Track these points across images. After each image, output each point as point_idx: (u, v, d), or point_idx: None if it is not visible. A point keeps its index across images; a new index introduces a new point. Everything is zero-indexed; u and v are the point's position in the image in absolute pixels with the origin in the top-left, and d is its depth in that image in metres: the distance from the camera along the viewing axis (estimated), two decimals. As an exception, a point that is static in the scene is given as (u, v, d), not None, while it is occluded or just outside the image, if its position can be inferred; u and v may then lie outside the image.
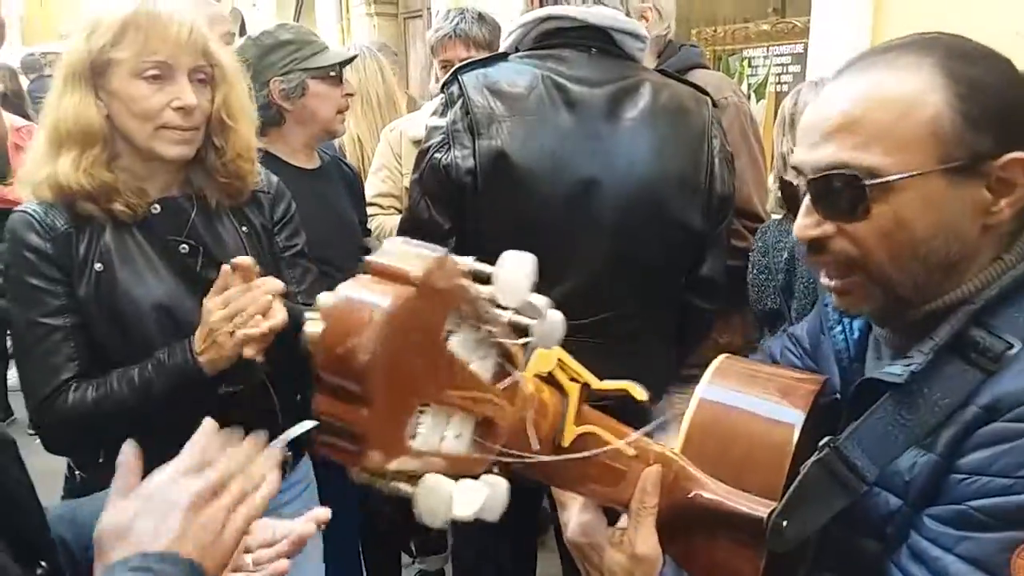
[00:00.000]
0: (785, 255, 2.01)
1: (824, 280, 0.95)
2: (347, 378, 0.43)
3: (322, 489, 1.93)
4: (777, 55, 3.68)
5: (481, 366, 0.54)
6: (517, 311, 0.54)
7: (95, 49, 1.43)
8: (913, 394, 0.87)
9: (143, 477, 0.83)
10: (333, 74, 2.30)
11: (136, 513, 0.77)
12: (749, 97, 3.56)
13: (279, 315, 1.40)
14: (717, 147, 1.70)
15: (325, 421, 0.45)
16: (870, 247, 0.88)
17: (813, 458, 0.87)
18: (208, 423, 0.88)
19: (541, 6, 1.73)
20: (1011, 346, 0.84)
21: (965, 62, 0.86)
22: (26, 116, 5.15)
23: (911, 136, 0.84)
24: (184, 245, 1.53)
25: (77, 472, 1.59)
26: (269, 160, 2.27)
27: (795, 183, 0.93)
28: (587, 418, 0.72)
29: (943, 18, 2.34)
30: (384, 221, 2.69)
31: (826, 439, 0.88)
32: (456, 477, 0.51)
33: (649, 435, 0.85)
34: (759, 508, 0.86)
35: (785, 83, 3.63)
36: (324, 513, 0.99)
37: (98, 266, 1.46)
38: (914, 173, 0.84)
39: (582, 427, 0.69)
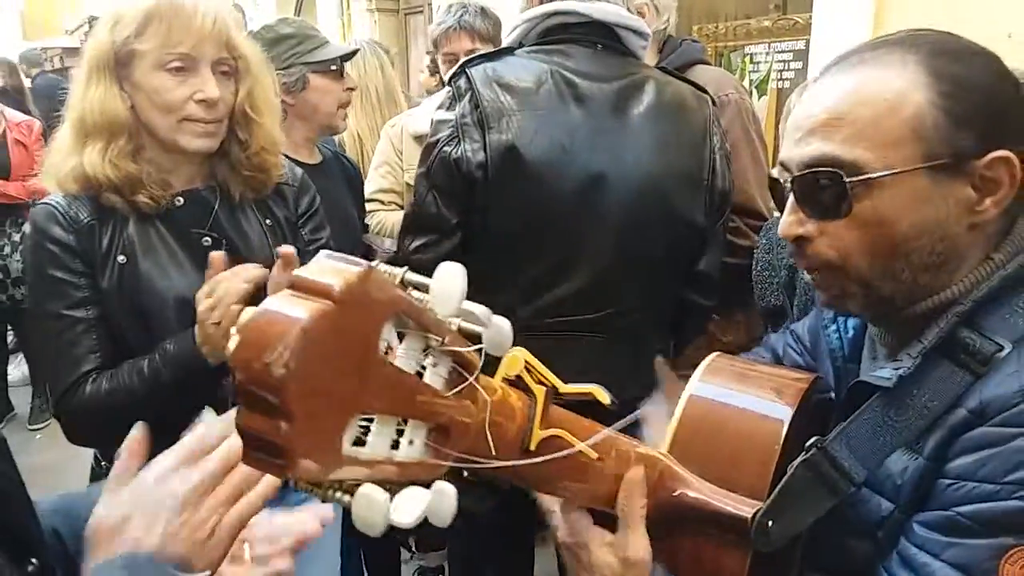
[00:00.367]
0: (788, 252, 2.00)
1: (807, 276, 0.95)
2: (265, 391, 0.43)
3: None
4: (779, 52, 3.67)
5: (433, 373, 0.54)
6: (463, 319, 0.55)
7: (119, 41, 1.43)
8: (902, 396, 0.87)
9: (148, 459, 0.82)
10: (334, 68, 2.29)
11: (129, 509, 0.76)
12: (751, 94, 3.55)
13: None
14: (718, 144, 1.71)
15: (248, 436, 0.45)
16: (851, 249, 0.88)
17: (800, 458, 0.87)
18: (208, 413, 0.88)
19: (540, 3, 1.73)
20: (1001, 348, 0.83)
21: (950, 59, 0.85)
22: (27, 111, 5.14)
23: (894, 133, 0.84)
24: (207, 238, 1.53)
25: (104, 463, 1.59)
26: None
27: (781, 180, 0.93)
28: (555, 420, 0.72)
29: (944, 13, 2.33)
30: (386, 217, 2.69)
31: (813, 439, 0.88)
32: (410, 483, 0.52)
33: (629, 433, 0.85)
34: (744, 508, 0.86)
35: (787, 79, 3.63)
36: (329, 512, 0.98)
37: (121, 258, 1.46)
38: (897, 170, 0.84)
39: (548, 430, 0.69)
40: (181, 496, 0.76)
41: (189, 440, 0.81)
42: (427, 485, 0.53)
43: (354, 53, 2.45)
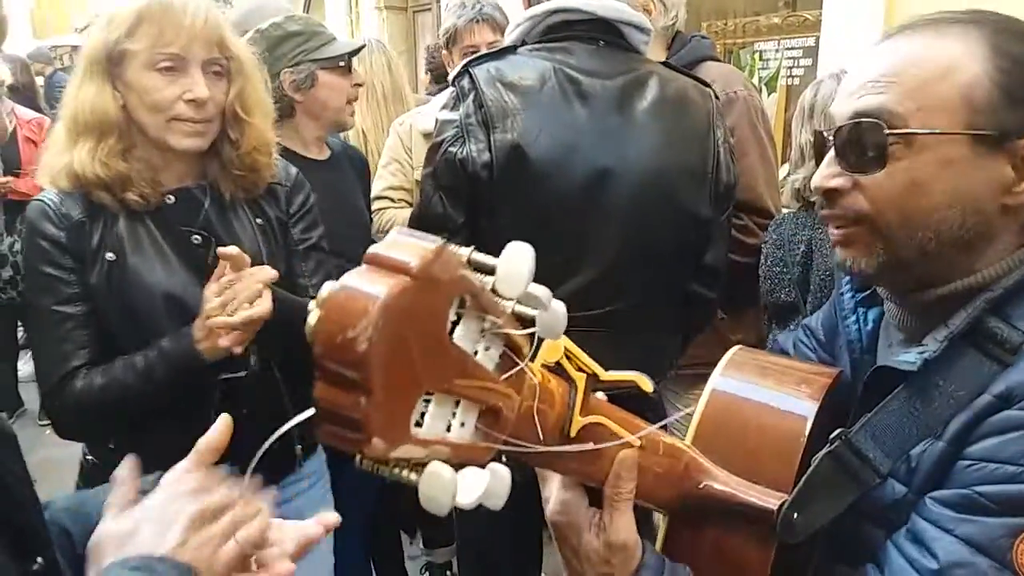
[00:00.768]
0: (802, 248, 2.00)
1: (831, 230, 0.95)
2: (345, 367, 0.43)
3: (336, 477, 1.94)
4: (788, 48, 3.66)
5: (486, 356, 0.54)
6: (520, 302, 0.54)
7: (111, 40, 1.45)
8: (928, 386, 0.86)
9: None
10: (342, 64, 2.30)
11: (137, 524, 0.78)
12: (760, 91, 3.55)
13: (263, 306, 1.41)
14: (721, 137, 1.71)
15: (325, 409, 0.45)
16: (882, 205, 0.88)
17: (824, 450, 0.87)
18: (224, 420, 0.89)
19: (531, 3, 1.74)
20: None
21: (1013, 38, 0.85)
22: (38, 109, 5.16)
23: (943, 97, 0.84)
24: (197, 236, 1.54)
25: (90, 457, 1.60)
26: (281, 152, 2.28)
27: (826, 135, 0.93)
28: (594, 408, 0.72)
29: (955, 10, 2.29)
30: (396, 215, 2.69)
31: (838, 431, 0.87)
32: (461, 465, 0.51)
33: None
34: (770, 500, 0.86)
35: (796, 76, 3.62)
36: (333, 517, 0.99)
37: (110, 255, 1.47)
38: (937, 131, 0.83)
39: (589, 417, 0.69)
40: (189, 516, 0.77)
41: (188, 476, 0.83)
42: (480, 466, 0.53)
43: (361, 48, 2.46)
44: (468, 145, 1.61)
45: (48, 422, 1.66)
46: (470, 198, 1.65)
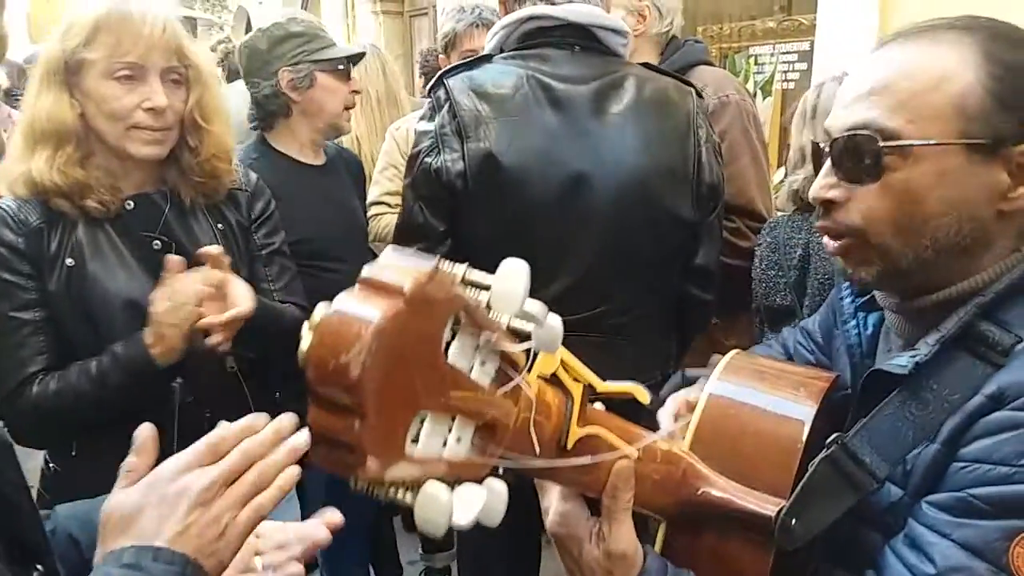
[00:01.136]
0: (799, 252, 1.99)
1: (826, 241, 0.95)
2: (339, 392, 0.43)
3: (336, 482, 1.93)
4: (783, 53, 3.67)
5: (481, 371, 0.54)
6: (516, 317, 0.54)
7: (68, 49, 1.45)
8: (922, 389, 0.86)
9: (112, 461, 0.81)
10: (341, 68, 2.31)
11: (141, 502, 0.76)
12: (755, 95, 3.56)
13: (246, 304, 1.43)
14: (703, 137, 1.71)
15: (319, 433, 0.45)
16: (876, 216, 0.88)
17: (821, 455, 0.87)
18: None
19: (508, 11, 1.74)
20: (1020, 340, 0.83)
21: (1007, 45, 0.86)
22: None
23: (936, 107, 0.84)
24: (157, 241, 1.55)
25: (52, 464, 1.59)
26: (278, 157, 2.29)
27: (821, 145, 0.94)
28: (591, 418, 0.72)
29: (950, 13, 2.30)
30: (392, 220, 2.69)
31: (834, 436, 0.88)
32: (458, 481, 0.51)
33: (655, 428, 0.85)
34: (767, 506, 0.86)
35: (792, 80, 3.63)
36: (336, 517, 0.99)
37: (69, 261, 1.47)
38: (932, 142, 0.84)
39: (585, 428, 0.69)
40: (194, 494, 0.75)
41: (205, 440, 0.81)
42: (478, 482, 0.53)
43: (361, 55, 2.46)
44: (443, 155, 1.63)
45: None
46: (448, 207, 1.66)
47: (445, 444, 0.51)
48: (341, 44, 2.45)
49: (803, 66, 3.55)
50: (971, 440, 0.82)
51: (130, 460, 0.83)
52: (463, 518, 0.50)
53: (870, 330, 1.07)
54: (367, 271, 0.46)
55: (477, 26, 2.74)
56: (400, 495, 0.49)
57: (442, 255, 1.66)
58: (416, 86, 4.99)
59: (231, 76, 3.45)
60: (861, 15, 2.85)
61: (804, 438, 0.92)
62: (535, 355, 0.59)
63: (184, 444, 1.47)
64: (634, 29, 2.27)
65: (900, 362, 0.88)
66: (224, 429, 0.82)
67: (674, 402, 1.09)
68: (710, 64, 2.42)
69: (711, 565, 0.89)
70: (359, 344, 0.42)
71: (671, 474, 0.86)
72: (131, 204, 1.54)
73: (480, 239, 1.66)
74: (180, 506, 0.75)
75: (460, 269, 0.52)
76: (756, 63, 3.78)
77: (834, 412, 1.00)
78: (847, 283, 1.10)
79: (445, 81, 1.68)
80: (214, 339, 1.41)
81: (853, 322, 1.09)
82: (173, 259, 1.43)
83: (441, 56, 3.02)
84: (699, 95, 1.77)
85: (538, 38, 1.70)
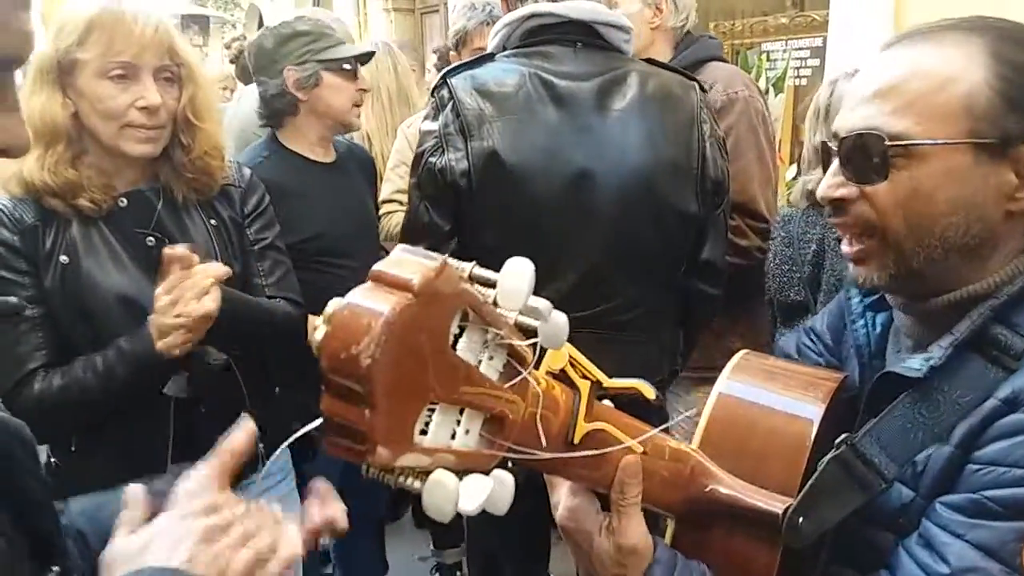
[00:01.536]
0: (813, 247, 1.99)
1: (844, 247, 0.95)
2: (350, 381, 0.45)
3: (346, 480, 1.94)
4: (796, 49, 3.65)
5: (489, 366, 0.55)
6: (521, 314, 0.56)
7: (61, 49, 1.47)
8: (933, 391, 0.86)
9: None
10: (347, 67, 2.31)
11: (148, 539, 0.78)
12: (767, 91, 3.54)
13: (207, 303, 1.42)
14: (707, 131, 1.70)
15: (331, 421, 0.47)
16: (888, 213, 0.88)
17: (830, 455, 0.87)
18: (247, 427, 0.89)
19: (510, 9, 1.75)
20: None
21: (1015, 45, 0.85)
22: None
23: (944, 107, 0.84)
24: (151, 238, 1.56)
25: (53, 460, 1.60)
26: (287, 155, 2.30)
27: (829, 144, 0.94)
28: (598, 414, 0.72)
29: (963, 11, 2.29)
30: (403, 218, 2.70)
31: (843, 436, 0.88)
32: (466, 472, 0.53)
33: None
34: (775, 504, 0.86)
35: (804, 77, 3.60)
36: (325, 485, 0.99)
37: (64, 258, 1.49)
38: (939, 142, 0.84)
39: (592, 424, 0.70)
40: (199, 532, 0.77)
41: (200, 497, 0.82)
42: (485, 473, 0.54)
43: (370, 55, 2.47)
44: (447, 154, 1.63)
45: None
46: (453, 206, 1.67)
47: (454, 436, 0.53)
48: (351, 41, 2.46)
49: (815, 62, 3.52)
50: (986, 443, 0.82)
51: (125, 514, 0.84)
52: (469, 505, 0.52)
53: (879, 330, 1.07)
54: (377, 267, 0.48)
55: (488, 24, 2.74)
56: (409, 482, 0.51)
57: (449, 253, 1.68)
58: (429, 83, 4.98)
59: (244, 73, 3.47)
60: (874, 11, 2.84)
61: (813, 437, 0.93)
62: (542, 351, 0.60)
63: (178, 439, 1.48)
64: (650, 22, 2.28)
65: (913, 365, 0.87)
66: (211, 485, 0.83)
67: None
68: (723, 60, 2.41)
69: (719, 562, 0.89)
70: (369, 336, 0.44)
71: (679, 471, 0.86)
72: (124, 201, 1.56)
73: (485, 237, 1.67)
74: (187, 541, 0.76)
75: (467, 266, 0.54)
76: (768, 59, 3.76)
77: (843, 412, 1.00)
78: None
79: (448, 80, 1.68)
80: (172, 339, 1.42)
81: (862, 322, 1.09)
82: (169, 253, 1.44)
83: (452, 53, 3.03)
84: (703, 89, 1.77)
85: (540, 35, 1.70)
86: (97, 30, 1.45)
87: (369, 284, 0.48)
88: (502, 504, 0.55)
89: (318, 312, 0.49)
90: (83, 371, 1.47)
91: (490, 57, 1.74)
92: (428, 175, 1.67)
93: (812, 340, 1.22)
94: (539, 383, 0.62)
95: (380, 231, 2.65)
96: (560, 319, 0.58)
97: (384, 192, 2.74)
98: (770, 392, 1.00)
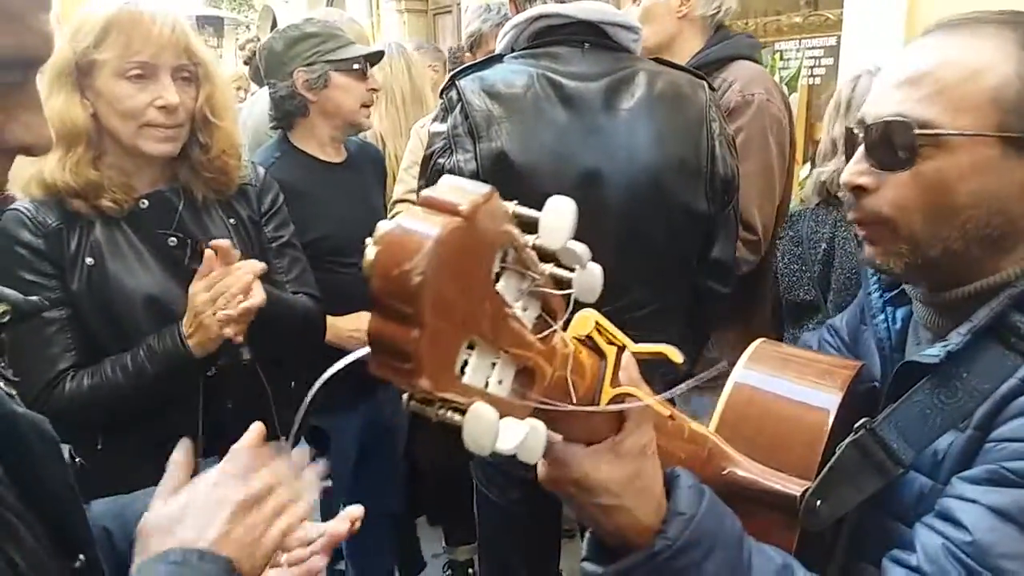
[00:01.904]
0: (823, 246, 1.98)
1: (858, 228, 0.95)
2: (399, 300, 0.45)
3: (358, 479, 1.95)
4: (809, 48, 3.63)
5: (523, 316, 0.56)
6: (558, 261, 0.56)
7: (79, 50, 1.48)
8: (952, 378, 0.87)
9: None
10: (357, 67, 2.32)
11: (183, 510, 0.79)
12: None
13: (258, 296, 1.46)
14: (716, 130, 1.70)
15: (378, 342, 0.47)
16: (907, 205, 0.88)
17: (848, 439, 0.88)
18: (256, 428, 0.92)
19: (518, 10, 1.75)
20: None
21: None
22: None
23: (973, 99, 0.84)
24: (172, 238, 1.58)
25: (78, 459, 1.62)
26: (299, 155, 2.32)
27: (856, 132, 0.94)
28: (622, 381, 0.72)
29: (976, 10, 2.26)
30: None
31: (862, 421, 0.88)
32: (500, 416, 0.53)
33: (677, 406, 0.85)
34: (793, 486, 0.87)
35: (817, 76, 3.59)
36: (357, 511, 1.01)
37: (89, 260, 1.51)
38: (966, 133, 0.84)
39: (619, 388, 0.70)
40: (234, 503, 0.79)
41: (238, 456, 0.86)
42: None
43: (379, 54, 2.47)
44: (455, 155, 1.64)
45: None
46: None
47: (487, 385, 0.53)
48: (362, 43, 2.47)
49: (829, 61, 3.51)
50: (1004, 422, 0.82)
51: (166, 480, 0.86)
52: (507, 444, 0.52)
53: (899, 324, 1.07)
54: (426, 192, 0.49)
55: (502, 26, 2.74)
56: (449, 415, 0.51)
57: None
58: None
59: (257, 75, 3.49)
60: (888, 10, 2.82)
61: (829, 424, 0.93)
62: (573, 309, 0.60)
63: (208, 435, 1.50)
64: (677, 10, 2.21)
65: (932, 352, 0.88)
66: (251, 443, 0.88)
67: None
68: (753, 60, 2.25)
69: None
70: (420, 254, 0.44)
71: (697, 453, 0.86)
72: (145, 203, 1.57)
73: None
74: (221, 514, 0.78)
75: (510, 204, 0.54)
76: (782, 58, 3.75)
77: (862, 404, 1.00)
78: (875, 278, 1.09)
79: (457, 82, 1.69)
80: (228, 331, 1.45)
81: (882, 316, 1.09)
82: (210, 252, 1.46)
83: (467, 54, 3.04)
84: (712, 88, 1.76)
85: (548, 36, 1.70)
86: (115, 31, 1.47)
87: (417, 208, 0.48)
88: (535, 451, 0.55)
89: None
90: (113, 370, 1.49)
91: (498, 58, 1.74)
92: (437, 176, 1.65)
93: (831, 335, 1.23)
94: (568, 345, 0.63)
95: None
96: (596, 269, 0.58)
97: (397, 192, 2.75)
98: (786, 380, 1.01)
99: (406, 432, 2.67)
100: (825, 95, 3.32)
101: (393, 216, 2.67)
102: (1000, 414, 0.83)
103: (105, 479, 1.51)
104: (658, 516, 0.73)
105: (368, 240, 0.47)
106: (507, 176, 1.60)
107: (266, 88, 2.38)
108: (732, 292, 1.88)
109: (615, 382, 0.69)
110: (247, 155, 2.03)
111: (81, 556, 0.80)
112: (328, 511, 1.33)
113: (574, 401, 0.62)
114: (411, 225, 0.46)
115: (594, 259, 0.58)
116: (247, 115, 3.25)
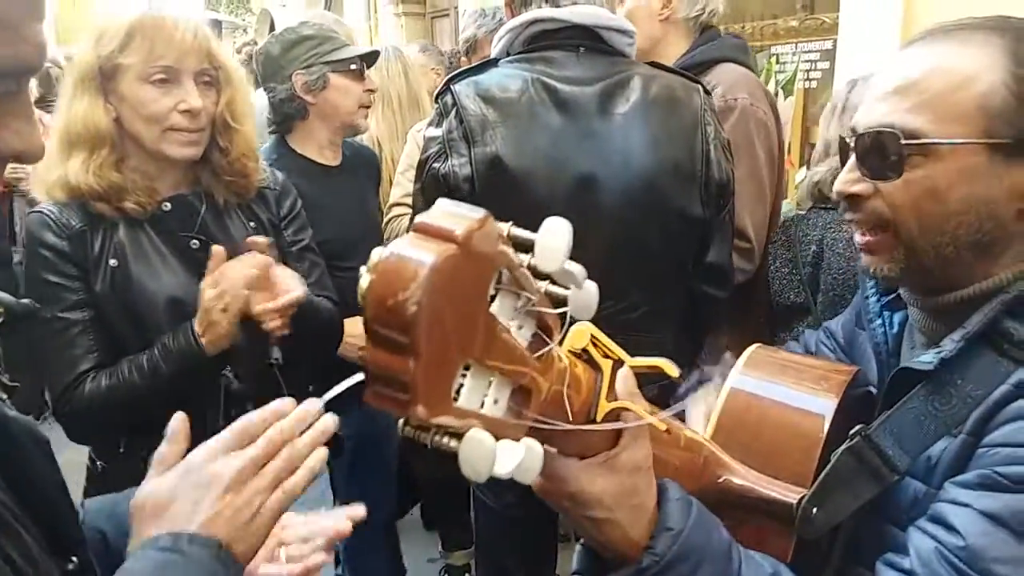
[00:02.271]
0: (813, 248, 1.98)
1: (857, 237, 0.96)
2: (395, 329, 0.45)
3: (356, 481, 1.95)
4: (806, 52, 3.64)
5: (519, 335, 0.55)
6: (554, 280, 0.56)
7: (103, 55, 1.49)
8: (945, 384, 0.87)
9: (145, 463, 0.84)
10: (354, 67, 2.33)
11: (174, 489, 0.78)
12: (777, 94, 3.52)
13: (298, 289, 1.49)
14: (711, 134, 1.69)
15: (374, 372, 0.47)
16: (901, 211, 0.89)
17: (844, 446, 0.88)
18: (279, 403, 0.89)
19: (513, 15, 1.75)
20: None
21: None
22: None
23: (960, 107, 0.85)
24: (195, 241, 1.59)
25: (99, 462, 1.63)
26: (296, 158, 2.32)
27: (847, 140, 0.95)
28: (619, 395, 0.72)
29: (973, 14, 2.27)
30: (410, 223, 2.71)
31: (857, 428, 0.88)
32: (496, 438, 0.52)
33: (679, 418, 0.85)
34: (789, 494, 0.87)
35: (814, 80, 3.59)
36: (360, 511, 1.01)
37: (112, 262, 1.52)
38: (954, 141, 0.85)
39: (615, 403, 0.70)
40: (227, 479, 0.77)
41: (234, 427, 0.83)
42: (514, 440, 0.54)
43: (375, 54, 2.48)
44: (450, 160, 1.64)
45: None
46: None
47: (483, 406, 0.53)
48: (362, 46, 2.47)
49: (825, 65, 3.51)
50: (996, 427, 0.83)
51: (161, 450, 0.85)
52: (503, 468, 0.51)
53: (895, 329, 1.08)
54: (421, 218, 0.48)
55: (498, 31, 2.75)
56: (445, 440, 0.50)
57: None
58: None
59: (256, 79, 3.50)
60: (884, 14, 2.83)
61: (825, 430, 0.93)
62: (568, 325, 0.60)
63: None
64: (659, 13, 2.18)
65: (925, 359, 0.88)
66: (252, 415, 0.84)
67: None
68: (738, 62, 2.18)
69: None
70: (415, 283, 0.44)
71: (693, 461, 0.87)
72: (168, 205, 1.59)
73: None
74: (213, 491, 0.77)
75: (505, 226, 0.53)
76: (778, 62, 3.75)
77: (857, 409, 1.00)
78: (872, 282, 1.10)
79: (451, 87, 1.69)
80: (272, 324, 1.47)
81: (879, 321, 1.09)
82: (218, 249, 1.47)
83: (463, 59, 3.04)
84: (706, 92, 1.75)
85: (543, 41, 1.70)
86: (139, 36, 1.48)
87: (412, 235, 0.48)
88: (532, 472, 0.54)
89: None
90: (129, 371, 1.50)
91: (493, 63, 1.74)
92: (432, 181, 1.67)
93: (828, 337, 1.24)
94: (563, 360, 0.62)
95: (389, 234, 2.66)
96: (592, 287, 0.57)
97: (393, 196, 2.75)
98: (782, 386, 1.01)
99: (400, 437, 2.66)
100: (821, 99, 3.32)
101: (389, 221, 2.68)
102: (993, 419, 0.83)
103: (126, 482, 1.51)
104: (648, 531, 0.73)
105: (362, 269, 0.47)
106: (502, 180, 1.60)
107: (262, 91, 2.39)
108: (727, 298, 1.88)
109: (611, 395, 0.69)
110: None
111: (74, 558, 0.80)
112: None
113: (570, 416, 0.62)
114: (406, 253, 0.46)
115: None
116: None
